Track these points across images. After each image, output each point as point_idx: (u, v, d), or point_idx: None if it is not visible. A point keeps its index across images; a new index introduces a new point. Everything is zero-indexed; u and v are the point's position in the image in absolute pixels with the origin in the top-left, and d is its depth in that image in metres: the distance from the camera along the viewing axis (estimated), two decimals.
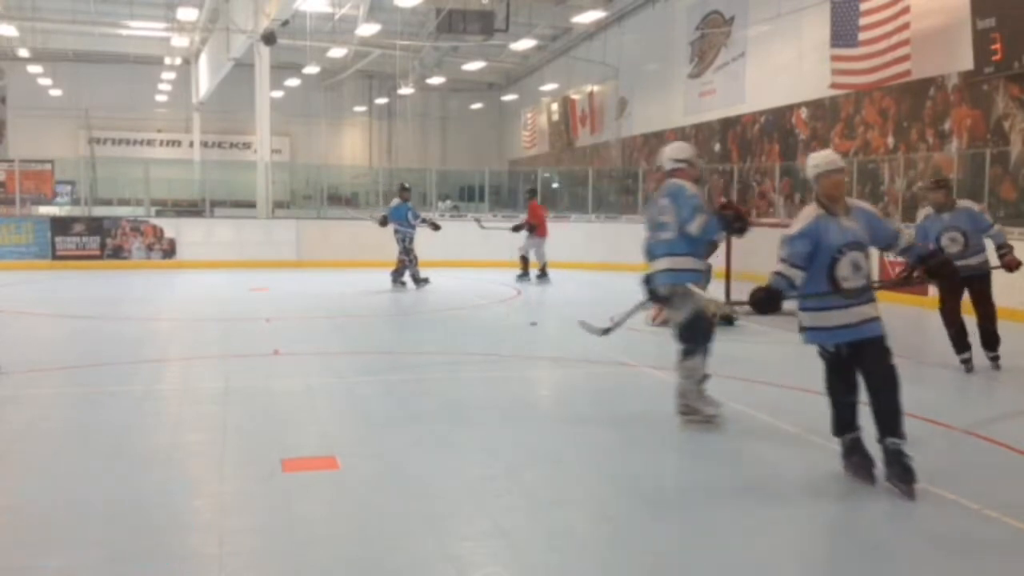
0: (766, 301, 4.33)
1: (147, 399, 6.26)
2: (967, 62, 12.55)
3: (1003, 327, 7.47)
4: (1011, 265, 6.97)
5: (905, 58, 13.48)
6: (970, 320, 7.34)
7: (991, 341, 7.32)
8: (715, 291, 8.27)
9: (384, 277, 13.18)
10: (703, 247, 5.65)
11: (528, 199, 15.53)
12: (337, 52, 26.89)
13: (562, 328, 10.53)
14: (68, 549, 3.52)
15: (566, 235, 18.37)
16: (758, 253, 10.42)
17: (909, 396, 6.51)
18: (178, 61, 31.08)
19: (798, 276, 4.35)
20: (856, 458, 4.45)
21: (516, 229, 14.83)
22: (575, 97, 27.92)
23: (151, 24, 26.29)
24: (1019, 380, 7.47)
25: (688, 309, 5.34)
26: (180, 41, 27.17)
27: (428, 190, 21.35)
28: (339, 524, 3.87)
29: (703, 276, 5.85)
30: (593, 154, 26.46)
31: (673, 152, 5.65)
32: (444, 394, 6.24)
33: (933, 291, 11.78)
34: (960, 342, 7.28)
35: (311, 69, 27.63)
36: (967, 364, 7.25)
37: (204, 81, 29.10)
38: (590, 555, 3.61)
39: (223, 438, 5.23)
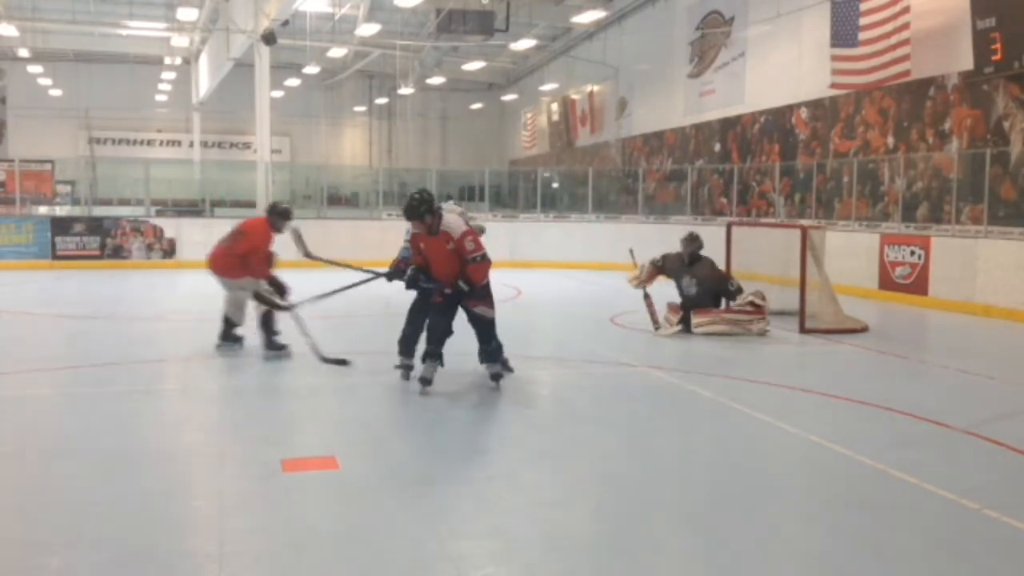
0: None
1: (147, 399, 6.26)
2: (967, 62, 12.55)
3: (1003, 327, 7.47)
4: None
5: (905, 58, 13.49)
6: None
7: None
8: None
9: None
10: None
11: None
12: (337, 52, 26.89)
13: (562, 328, 10.54)
14: (68, 549, 3.52)
15: (566, 235, 18.43)
16: (759, 252, 10.48)
17: (909, 396, 6.56)
18: (178, 61, 31.07)
19: None
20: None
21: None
22: (575, 97, 27.92)
23: (151, 24, 26.30)
24: (1019, 380, 7.48)
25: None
26: (180, 41, 27.17)
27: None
28: (339, 524, 3.87)
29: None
30: (593, 154, 26.46)
31: None
32: (444, 394, 6.24)
33: (933, 291, 11.83)
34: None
35: (311, 69, 27.62)
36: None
37: (204, 81, 29.09)
38: (590, 555, 3.61)
39: (223, 438, 5.23)
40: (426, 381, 6.28)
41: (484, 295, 6.44)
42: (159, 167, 23.63)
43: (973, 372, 7.49)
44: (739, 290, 9.26)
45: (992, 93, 12.56)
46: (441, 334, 6.40)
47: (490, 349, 6.49)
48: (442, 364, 6.39)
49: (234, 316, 7.72)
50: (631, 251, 9.75)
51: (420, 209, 6.21)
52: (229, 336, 7.79)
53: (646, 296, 9.35)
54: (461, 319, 6.46)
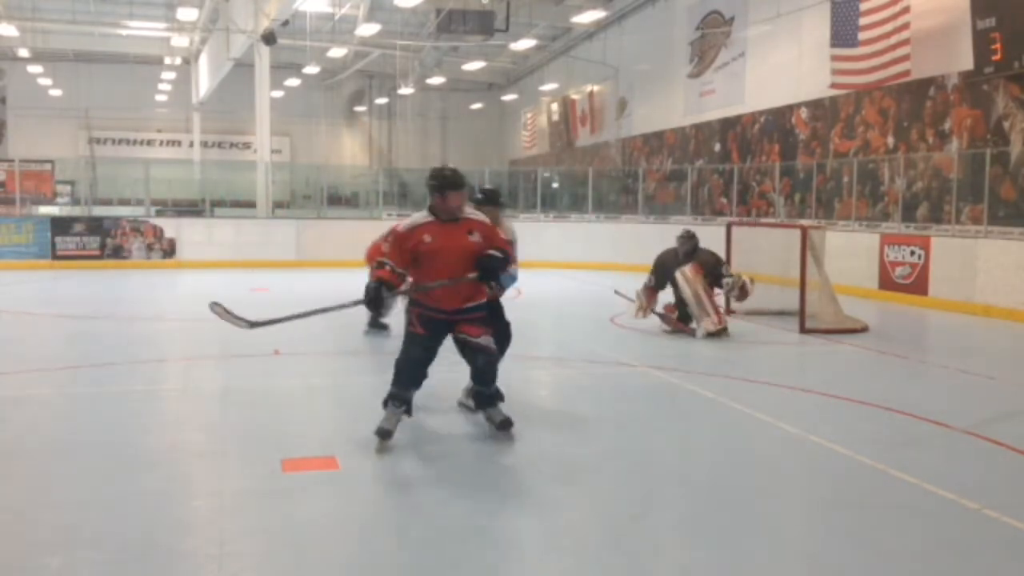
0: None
1: (147, 399, 6.25)
2: (967, 62, 12.55)
3: (1003, 327, 7.47)
4: None
5: (905, 58, 13.49)
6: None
7: None
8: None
9: None
10: None
11: None
12: (337, 52, 26.88)
13: (562, 328, 10.54)
14: (68, 549, 3.52)
15: (566, 235, 18.43)
16: (759, 252, 10.48)
17: (909, 396, 6.55)
18: (178, 61, 31.07)
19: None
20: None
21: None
22: (575, 97, 27.92)
23: (151, 24, 26.30)
24: (1019, 380, 7.48)
25: None
26: (180, 41, 27.17)
27: None
28: (339, 524, 3.87)
29: None
30: (593, 154, 26.46)
31: None
32: (444, 395, 6.23)
33: (933, 291, 11.82)
34: None
35: (311, 69, 27.62)
36: None
37: (204, 81, 29.09)
38: (590, 555, 3.61)
39: (223, 438, 5.23)
40: (384, 433, 4.91)
41: (485, 315, 5.12)
42: (159, 167, 23.63)
43: (973, 372, 7.49)
44: (730, 274, 9.30)
45: (992, 93, 12.56)
46: (415, 374, 5.03)
47: (490, 393, 5.19)
48: (409, 413, 5.07)
49: None
50: (616, 291, 9.84)
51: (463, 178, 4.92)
52: (376, 324, 8.51)
53: (660, 316, 9.33)
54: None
